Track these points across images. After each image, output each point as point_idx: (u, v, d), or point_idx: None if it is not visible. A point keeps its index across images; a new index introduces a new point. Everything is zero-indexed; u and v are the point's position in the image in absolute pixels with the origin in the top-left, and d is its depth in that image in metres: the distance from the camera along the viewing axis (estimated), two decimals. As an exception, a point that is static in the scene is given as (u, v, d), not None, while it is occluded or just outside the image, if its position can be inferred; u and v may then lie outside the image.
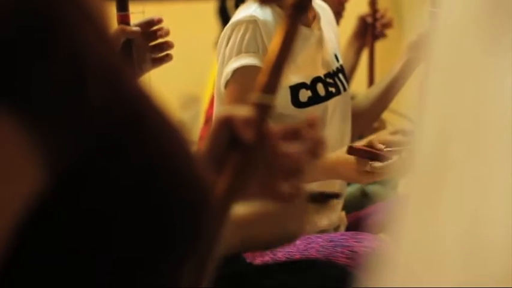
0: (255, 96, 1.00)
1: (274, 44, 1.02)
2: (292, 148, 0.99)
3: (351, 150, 1.89)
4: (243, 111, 0.99)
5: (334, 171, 1.91)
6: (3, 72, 0.61)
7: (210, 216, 0.77)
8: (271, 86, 1.01)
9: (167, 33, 1.93)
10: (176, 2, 4.20)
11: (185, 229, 0.73)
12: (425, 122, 0.51)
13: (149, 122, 0.72)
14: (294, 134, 1.00)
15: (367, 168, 1.87)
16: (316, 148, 0.99)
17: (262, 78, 1.01)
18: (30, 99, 0.62)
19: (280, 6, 1.98)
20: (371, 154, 1.88)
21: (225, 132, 0.98)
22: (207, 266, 0.81)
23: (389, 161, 1.85)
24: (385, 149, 1.89)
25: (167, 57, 1.96)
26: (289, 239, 1.11)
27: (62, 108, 0.63)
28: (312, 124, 1.01)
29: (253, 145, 0.97)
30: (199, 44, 3.85)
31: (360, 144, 1.95)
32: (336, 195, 1.07)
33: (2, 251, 0.62)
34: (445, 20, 0.51)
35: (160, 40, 1.92)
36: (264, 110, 1.00)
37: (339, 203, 2.09)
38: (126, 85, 0.71)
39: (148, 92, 0.74)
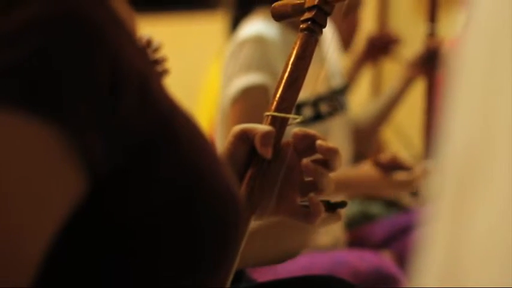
0: (272, 110, 0.99)
1: (291, 59, 1.02)
2: (308, 161, 0.97)
3: (377, 163, 1.94)
4: (260, 125, 0.98)
5: (358, 184, 1.97)
6: (40, 82, 0.62)
7: (239, 223, 0.77)
8: (289, 100, 1.01)
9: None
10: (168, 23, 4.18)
11: (217, 234, 0.74)
12: (459, 127, 0.50)
13: (179, 126, 0.73)
14: (308, 148, 0.99)
15: (393, 179, 1.93)
16: (331, 160, 0.98)
17: (279, 93, 1.01)
18: (67, 107, 0.63)
19: (291, 24, 1.98)
20: (395, 165, 1.95)
21: (242, 146, 0.97)
22: (229, 277, 0.81)
23: (413, 172, 1.92)
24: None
25: (164, 73, 1.96)
26: (293, 254, 1.10)
27: (98, 113, 0.64)
28: (322, 137, 0.99)
29: (271, 159, 0.96)
30: (189, 66, 3.82)
31: (383, 158, 1.99)
32: (342, 204, 1.05)
33: (46, 252, 0.63)
34: (478, 25, 0.51)
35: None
36: (281, 124, 0.99)
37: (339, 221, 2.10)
38: (157, 90, 0.72)
39: (175, 100, 0.75)
